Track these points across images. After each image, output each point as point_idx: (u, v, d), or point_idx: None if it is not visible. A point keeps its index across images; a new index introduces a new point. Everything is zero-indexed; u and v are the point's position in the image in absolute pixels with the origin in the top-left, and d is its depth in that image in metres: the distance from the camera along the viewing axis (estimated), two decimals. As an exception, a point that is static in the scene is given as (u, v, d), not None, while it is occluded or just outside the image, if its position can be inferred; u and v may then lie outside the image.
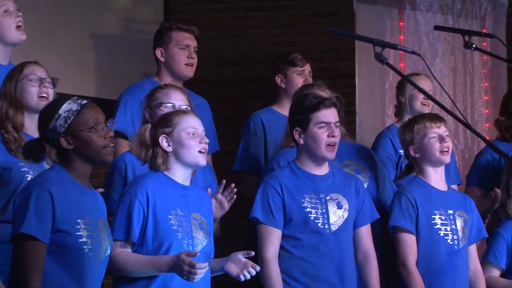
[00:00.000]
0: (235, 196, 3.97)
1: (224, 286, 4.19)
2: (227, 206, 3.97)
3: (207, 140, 3.68)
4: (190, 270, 3.39)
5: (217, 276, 3.75)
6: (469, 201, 4.37)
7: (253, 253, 3.63)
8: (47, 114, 3.30)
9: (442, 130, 4.23)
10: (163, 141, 3.65)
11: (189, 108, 4.09)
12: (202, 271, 3.41)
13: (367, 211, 4.14)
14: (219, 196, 3.95)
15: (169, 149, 3.66)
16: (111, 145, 3.31)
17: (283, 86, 5.30)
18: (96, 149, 3.27)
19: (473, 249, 4.29)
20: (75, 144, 3.26)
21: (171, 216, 3.60)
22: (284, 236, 3.98)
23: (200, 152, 3.65)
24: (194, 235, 3.64)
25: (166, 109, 4.04)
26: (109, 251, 3.35)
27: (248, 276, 3.58)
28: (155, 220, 3.59)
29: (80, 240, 3.20)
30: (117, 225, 3.59)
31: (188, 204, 3.67)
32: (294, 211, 3.98)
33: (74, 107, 3.28)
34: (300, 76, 5.30)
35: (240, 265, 3.59)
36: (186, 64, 4.84)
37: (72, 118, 3.26)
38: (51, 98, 3.94)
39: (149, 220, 3.58)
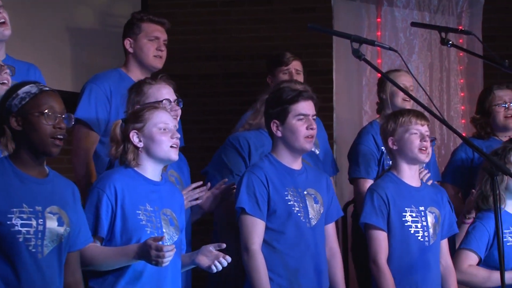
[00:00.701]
0: (199, 200, 4.02)
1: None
2: (187, 204, 3.98)
3: (178, 135, 3.69)
4: (158, 254, 3.38)
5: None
6: (442, 195, 4.39)
7: (224, 245, 3.64)
8: (7, 93, 3.27)
9: (424, 129, 4.25)
10: (134, 137, 3.66)
11: (179, 101, 4.08)
12: (170, 253, 3.39)
13: (334, 209, 4.18)
14: (216, 191, 4.09)
15: (140, 144, 3.66)
16: (60, 136, 3.24)
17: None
18: (42, 135, 3.20)
19: (444, 244, 4.31)
20: (23, 126, 3.21)
21: (139, 212, 3.60)
22: (266, 229, 3.99)
23: (171, 147, 3.65)
24: (164, 230, 3.63)
25: (164, 106, 4.01)
26: (64, 241, 3.28)
27: (220, 267, 3.59)
28: (123, 215, 3.59)
29: (13, 229, 3.15)
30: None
31: (159, 199, 3.67)
32: (278, 204, 3.99)
33: (34, 90, 3.25)
34: (285, 75, 5.32)
35: (211, 257, 3.60)
36: (155, 56, 4.82)
37: (27, 99, 3.22)
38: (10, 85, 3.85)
39: (117, 215, 3.58)
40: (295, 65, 5.39)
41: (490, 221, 4.28)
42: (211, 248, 3.62)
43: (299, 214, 4.00)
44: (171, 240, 3.65)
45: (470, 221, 4.50)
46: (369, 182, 4.82)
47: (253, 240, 3.94)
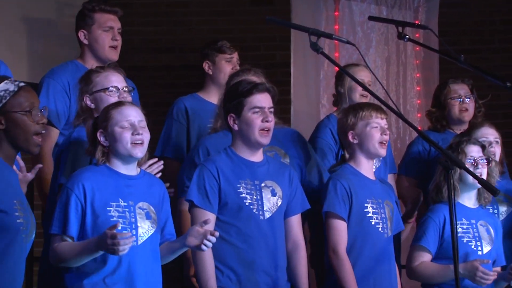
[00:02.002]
0: (160, 173, 3.98)
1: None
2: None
3: (141, 132, 3.68)
4: (113, 242, 3.39)
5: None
6: (392, 191, 4.43)
7: (209, 222, 3.67)
8: None
9: (384, 122, 4.28)
10: (100, 136, 3.69)
11: (130, 89, 4.09)
12: (126, 241, 3.40)
13: (298, 201, 4.16)
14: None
15: (106, 143, 3.69)
16: (43, 131, 3.31)
17: (211, 73, 5.31)
18: (26, 133, 3.27)
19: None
20: (6, 124, 3.25)
21: (110, 208, 3.62)
22: (218, 221, 3.98)
23: (133, 144, 3.65)
24: (138, 224, 3.65)
25: (111, 93, 4.01)
26: (33, 236, 3.33)
27: (210, 245, 3.61)
28: (93, 213, 3.61)
29: (18, 220, 3.21)
30: (55, 220, 3.63)
31: (134, 194, 3.68)
32: (230, 196, 3.98)
33: (11, 87, 3.28)
34: (228, 64, 5.30)
35: (199, 237, 3.61)
36: (110, 47, 4.78)
37: (8, 98, 3.25)
38: None
39: (87, 214, 3.61)
40: (236, 56, 5.39)
41: (439, 214, 4.33)
42: (198, 227, 3.63)
43: (251, 207, 3.99)
44: (146, 234, 3.67)
45: (411, 220, 4.55)
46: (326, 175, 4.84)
47: None
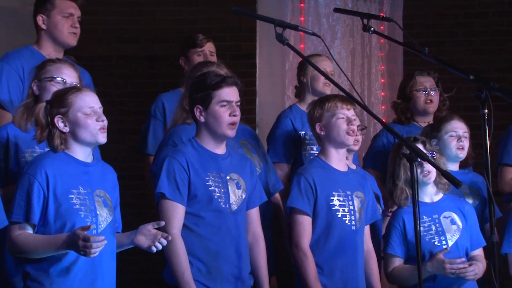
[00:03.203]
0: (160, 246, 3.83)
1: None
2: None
3: (104, 118, 3.66)
4: (85, 245, 3.37)
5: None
6: (368, 181, 4.45)
7: (163, 223, 3.64)
8: None
9: (351, 113, 4.28)
10: (59, 122, 3.63)
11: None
12: (98, 244, 3.38)
13: (258, 193, 4.16)
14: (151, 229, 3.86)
15: (66, 129, 3.64)
16: None
17: (186, 68, 5.30)
18: None
19: (366, 229, 4.36)
20: None
21: (72, 196, 3.58)
22: (187, 214, 3.96)
23: (99, 130, 3.63)
24: (98, 212, 3.62)
25: (57, 84, 3.98)
26: None
27: (160, 247, 3.58)
28: (56, 200, 3.57)
29: None
30: (16, 207, 3.56)
31: (91, 181, 3.66)
32: (199, 188, 3.96)
33: None
34: (199, 57, 5.31)
35: (150, 237, 3.59)
36: (69, 33, 4.74)
37: None
38: None
39: (49, 201, 3.56)
40: (209, 47, 5.38)
41: (399, 218, 4.37)
42: (150, 227, 3.61)
43: (219, 200, 3.98)
44: (105, 222, 3.65)
45: (389, 213, 4.58)
46: (285, 166, 4.85)
47: (173, 224, 3.90)
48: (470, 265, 4.25)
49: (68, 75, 4.04)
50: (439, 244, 4.34)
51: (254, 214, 4.14)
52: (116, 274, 3.72)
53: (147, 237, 3.59)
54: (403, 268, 4.33)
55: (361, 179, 4.41)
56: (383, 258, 4.52)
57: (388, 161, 4.51)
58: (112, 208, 3.69)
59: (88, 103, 3.65)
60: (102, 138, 3.65)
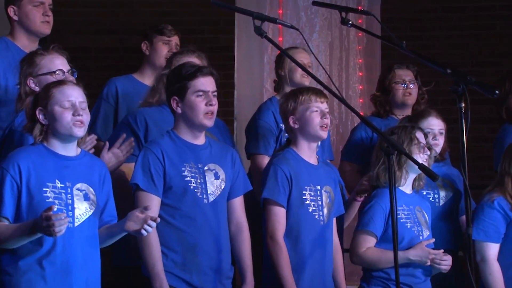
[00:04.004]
0: (132, 150, 4.07)
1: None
2: (123, 159, 4.11)
3: (81, 113, 3.64)
4: (48, 224, 3.37)
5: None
6: (335, 174, 4.46)
7: (150, 207, 3.65)
8: None
9: (324, 106, 4.28)
10: (39, 114, 3.64)
11: (74, 71, 4.06)
12: (61, 222, 3.38)
13: (241, 183, 4.16)
14: (116, 150, 4.06)
15: (45, 121, 3.64)
16: None
17: (147, 53, 5.30)
18: None
19: (333, 223, 4.38)
20: None
21: (47, 189, 3.58)
22: (162, 205, 3.96)
23: (74, 124, 3.62)
24: (76, 206, 3.61)
25: (57, 76, 3.98)
26: None
27: (150, 230, 3.59)
28: (29, 193, 3.57)
29: None
30: None
31: (71, 175, 3.64)
32: (175, 179, 3.96)
33: None
34: (165, 46, 5.28)
35: (139, 222, 3.59)
36: (42, 22, 4.71)
37: None
38: None
39: (22, 194, 3.57)
40: (176, 40, 5.37)
41: (385, 199, 4.37)
42: (138, 212, 3.61)
43: (195, 190, 3.98)
44: (84, 215, 3.64)
45: (361, 199, 4.59)
46: (266, 158, 4.84)
47: None
48: (445, 254, 4.32)
49: (62, 64, 4.03)
50: (417, 233, 4.38)
51: (238, 203, 4.13)
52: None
53: (136, 222, 3.60)
54: (376, 250, 4.33)
55: (330, 172, 4.41)
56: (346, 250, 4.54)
57: (374, 150, 4.52)
58: (96, 201, 3.68)
59: (67, 97, 3.64)
60: (78, 132, 3.64)
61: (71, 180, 3.63)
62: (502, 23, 6.75)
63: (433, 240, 4.37)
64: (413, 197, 4.49)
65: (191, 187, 3.97)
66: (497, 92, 3.76)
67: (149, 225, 3.57)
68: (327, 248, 4.27)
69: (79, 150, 3.72)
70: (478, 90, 3.76)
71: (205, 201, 4.00)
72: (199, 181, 4.00)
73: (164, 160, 3.96)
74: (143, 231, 3.58)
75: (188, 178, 3.97)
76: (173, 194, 3.96)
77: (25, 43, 4.56)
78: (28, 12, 4.68)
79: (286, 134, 4.85)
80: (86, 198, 3.66)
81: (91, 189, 3.68)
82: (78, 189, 3.64)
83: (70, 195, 3.61)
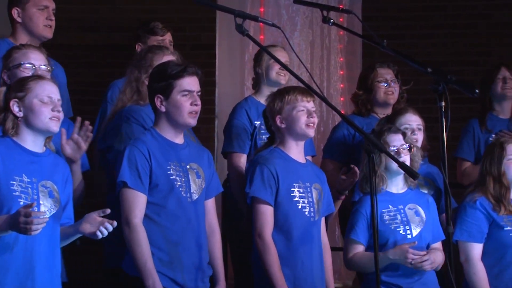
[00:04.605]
0: (91, 134, 3.94)
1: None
2: (84, 145, 3.95)
3: (60, 109, 3.64)
4: (26, 221, 3.32)
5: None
6: (323, 174, 4.49)
7: (108, 211, 3.60)
8: None
9: (310, 105, 4.30)
10: (14, 106, 3.60)
11: (48, 69, 4.03)
12: (40, 221, 3.34)
13: (214, 185, 4.18)
14: (75, 136, 3.93)
15: (20, 114, 3.61)
16: None
17: None
18: None
19: (322, 222, 4.40)
20: None
21: (14, 182, 3.54)
22: (148, 203, 3.96)
23: (51, 119, 3.61)
24: (41, 202, 3.58)
25: (26, 69, 3.97)
26: None
27: (106, 232, 3.56)
28: None
29: None
30: None
31: (38, 171, 3.61)
32: (161, 177, 3.96)
33: None
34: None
35: (95, 224, 3.57)
36: (45, 26, 4.72)
37: None
38: None
39: None
40: (169, 36, 5.37)
41: (366, 205, 4.41)
42: (95, 215, 3.59)
43: (180, 189, 3.98)
44: (49, 212, 3.60)
45: (343, 197, 4.61)
46: (241, 157, 4.86)
47: (135, 213, 3.90)
48: (425, 254, 4.33)
49: (35, 59, 4.02)
50: (403, 233, 4.41)
51: (211, 205, 4.16)
52: (74, 264, 3.70)
53: (93, 225, 3.58)
54: (363, 254, 4.38)
55: (318, 171, 4.44)
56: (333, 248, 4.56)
57: (363, 152, 4.55)
58: (59, 200, 3.66)
59: (47, 92, 3.62)
60: (54, 127, 3.62)
61: (37, 176, 3.60)
62: (483, 22, 6.79)
63: (415, 243, 4.36)
64: (405, 196, 4.50)
65: (177, 186, 3.98)
66: (477, 91, 3.79)
67: (106, 228, 3.55)
68: (315, 244, 4.29)
69: (45, 148, 3.69)
70: (458, 89, 3.78)
71: (189, 199, 4.01)
72: (183, 179, 4.00)
73: (150, 158, 3.96)
74: (98, 233, 3.55)
75: (173, 177, 3.98)
76: (159, 192, 3.96)
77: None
78: (32, 15, 4.69)
79: (262, 131, 4.87)
80: (51, 195, 3.63)
81: (55, 187, 3.65)
82: (43, 185, 3.62)
83: (36, 191, 3.58)
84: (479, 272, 4.51)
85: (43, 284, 3.58)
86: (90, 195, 5.67)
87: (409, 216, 4.45)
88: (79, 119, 3.93)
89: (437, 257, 4.38)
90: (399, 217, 4.43)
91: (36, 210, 3.46)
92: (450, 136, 3.82)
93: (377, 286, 3.53)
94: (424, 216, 4.49)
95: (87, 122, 3.93)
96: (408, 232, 4.42)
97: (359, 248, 4.40)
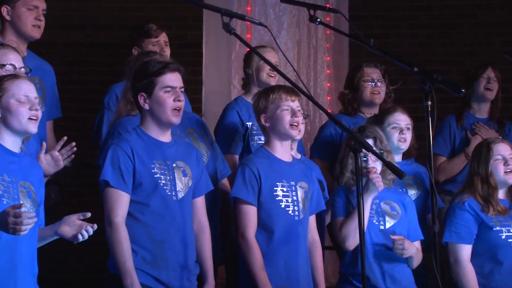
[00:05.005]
0: (73, 155, 3.93)
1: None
2: (62, 164, 3.93)
3: (38, 108, 3.61)
4: (15, 221, 3.31)
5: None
6: (312, 171, 4.48)
7: (89, 214, 3.59)
8: None
9: (295, 104, 4.29)
10: None
11: (26, 71, 4.03)
12: (29, 221, 3.33)
13: (204, 182, 4.16)
14: (56, 153, 3.91)
15: None
16: None
17: None
18: None
19: (312, 219, 4.40)
20: None
21: None
22: (131, 202, 3.94)
23: (30, 119, 3.58)
24: (21, 202, 3.54)
25: (7, 71, 3.95)
26: None
27: (86, 236, 3.54)
28: None
29: None
30: None
31: (17, 171, 3.59)
32: (144, 176, 3.95)
33: None
34: (155, 47, 5.28)
35: (75, 227, 3.55)
36: (33, 26, 4.71)
37: None
38: None
39: None
40: (164, 37, 5.37)
41: (339, 198, 4.48)
42: (74, 218, 3.57)
43: (165, 187, 3.97)
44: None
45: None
46: (233, 157, 4.86)
47: (117, 212, 3.89)
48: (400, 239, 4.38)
49: (15, 60, 4.00)
50: (377, 223, 4.43)
51: (200, 203, 4.14)
52: (60, 264, 3.68)
53: (72, 227, 3.56)
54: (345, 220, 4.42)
55: (306, 169, 4.43)
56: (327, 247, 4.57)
57: (341, 149, 4.55)
58: (36, 201, 3.64)
59: (24, 91, 3.60)
60: (33, 128, 3.60)
61: (16, 176, 3.58)
62: (468, 22, 6.81)
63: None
64: (382, 192, 4.50)
65: (161, 184, 3.96)
66: (463, 90, 3.80)
67: (87, 231, 3.53)
68: (301, 242, 4.29)
69: (20, 148, 3.66)
70: (445, 88, 3.79)
71: (174, 198, 3.99)
72: (168, 177, 3.99)
73: (133, 157, 3.95)
74: (79, 236, 3.53)
75: (157, 175, 3.96)
76: (142, 191, 3.95)
77: (14, 45, 4.53)
78: (21, 14, 4.69)
79: (254, 132, 4.87)
80: (29, 195, 3.61)
81: (32, 188, 3.64)
82: (22, 186, 3.60)
83: (16, 191, 3.56)
84: (468, 273, 4.53)
85: (25, 284, 3.56)
86: (84, 194, 5.66)
87: (384, 209, 4.48)
88: (64, 138, 3.91)
89: (410, 246, 4.39)
90: (374, 207, 4.45)
91: (25, 210, 3.44)
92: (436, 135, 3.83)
93: (363, 280, 3.52)
94: (399, 211, 4.52)
95: (73, 143, 3.91)
96: (382, 223, 4.44)
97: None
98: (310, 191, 4.36)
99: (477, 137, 5.31)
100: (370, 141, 4.47)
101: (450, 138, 5.41)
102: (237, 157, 4.90)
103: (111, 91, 5.09)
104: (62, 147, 3.91)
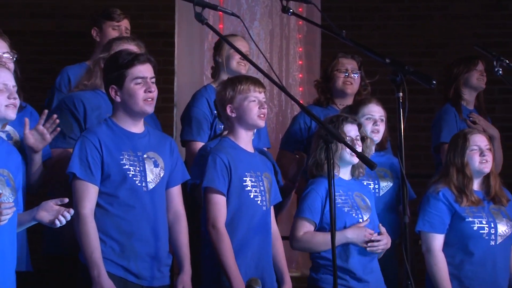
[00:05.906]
0: (58, 129, 3.96)
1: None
2: (49, 137, 3.98)
3: (16, 96, 3.61)
4: None
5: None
6: (269, 160, 4.49)
7: (67, 200, 3.59)
8: None
9: (262, 96, 4.30)
10: None
11: (10, 57, 3.98)
12: (8, 211, 3.35)
13: (179, 172, 4.16)
14: (41, 127, 3.95)
15: None
16: None
17: (98, 39, 5.25)
18: None
19: (271, 210, 4.40)
20: None
21: None
22: (100, 193, 3.94)
23: (7, 106, 3.58)
24: (0, 191, 3.54)
25: None
26: None
27: (64, 221, 3.54)
28: None
29: None
30: None
31: None
32: (113, 168, 3.95)
33: None
34: (115, 31, 5.24)
35: (52, 212, 3.55)
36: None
37: None
38: None
39: None
40: (126, 23, 5.33)
41: (321, 187, 4.42)
42: (52, 203, 3.57)
43: (134, 178, 3.97)
44: (8, 201, 3.55)
45: (296, 185, 4.63)
46: (200, 145, 4.84)
47: (84, 204, 3.90)
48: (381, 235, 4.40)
49: (1, 47, 3.96)
50: (356, 217, 4.44)
51: (175, 192, 4.14)
52: (32, 252, 3.67)
53: (50, 213, 3.55)
54: (315, 234, 4.39)
55: (265, 160, 4.44)
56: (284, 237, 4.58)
57: (313, 139, 4.55)
58: (15, 188, 3.63)
59: (2, 79, 3.60)
60: (12, 114, 3.61)
61: None
62: (439, 14, 6.84)
63: (368, 221, 4.42)
64: (352, 184, 4.54)
65: (130, 175, 3.96)
66: (434, 82, 3.81)
67: (64, 216, 3.53)
68: (268, 232, 4.30)
69: None
70: (416, 80, 3.80)
71: (144, 189, 3.99)
72: (138, 168, 3.98)
73: (101, 149, 3.94)
74: (57, 222, 3.54)
75: (126, 166, 3.96)
76: (111, 182, 3.95)
77: None
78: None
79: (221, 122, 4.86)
80: (8, 184, 3.61)
81: (11, 175, 3.63)
82: (0, 174, 3.59)
83: None
84: (440, 263, 4.57)
85: (4, 271, 3.55)
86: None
87: (357, 202, 4.49)
88: (45, 111, 3.93)
89: (389, 241, 4.42)
90: (349, 201, 4.47)
91: (4, 200, 3.43)
92: (407, 126, 3.84)
93: (334, 269, 3.53)
94: (369, 204, 4.54)
95: (54, 116, 3.94)
96: (360, 216, 4.46)
97: (310, 228, 4.41)
98: (273, 182, 4.37)
99: (479, 127, 5.34)
100: (354, 127, 4.48)
101: (456, 127, 5.42)
102: (202, 144, 4.89)
103: (63, 73, 5.06)
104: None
